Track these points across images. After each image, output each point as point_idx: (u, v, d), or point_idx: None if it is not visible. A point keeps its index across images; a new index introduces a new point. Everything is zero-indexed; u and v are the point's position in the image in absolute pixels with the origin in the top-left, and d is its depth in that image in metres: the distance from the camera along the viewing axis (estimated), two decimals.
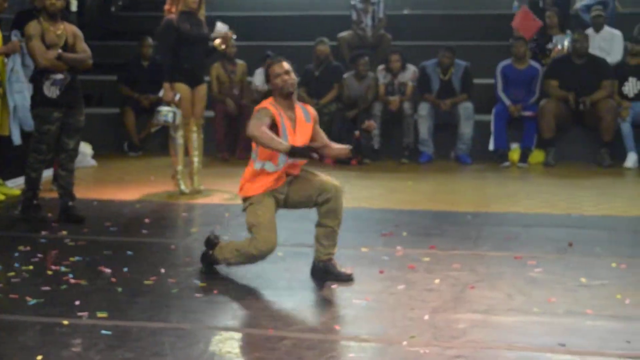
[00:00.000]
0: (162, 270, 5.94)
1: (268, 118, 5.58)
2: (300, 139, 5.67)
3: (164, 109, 8.63)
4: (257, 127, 5.48)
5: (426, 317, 4.97)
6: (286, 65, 5.72)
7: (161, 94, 8.79)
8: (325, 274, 5.77)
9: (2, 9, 8.67)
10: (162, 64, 8.91)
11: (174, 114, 8.62)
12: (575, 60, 11.00)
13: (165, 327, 4.82)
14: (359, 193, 9.00)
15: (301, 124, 5.77)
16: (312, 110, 5.94)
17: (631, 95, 10.93)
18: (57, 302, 5.25)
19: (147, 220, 7.56)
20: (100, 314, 5.00)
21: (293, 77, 5.71)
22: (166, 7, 8.88)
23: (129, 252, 6.46)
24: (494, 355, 4.46)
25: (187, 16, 8.60)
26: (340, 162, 10.77)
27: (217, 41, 8.71)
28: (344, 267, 5.82)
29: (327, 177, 5.78)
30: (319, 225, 5.82)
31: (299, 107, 5.84)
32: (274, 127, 5.60)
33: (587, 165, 10.67)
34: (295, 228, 7.32)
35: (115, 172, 10.33)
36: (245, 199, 5.84)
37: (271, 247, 5.63)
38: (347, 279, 5.72)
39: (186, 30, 8.56)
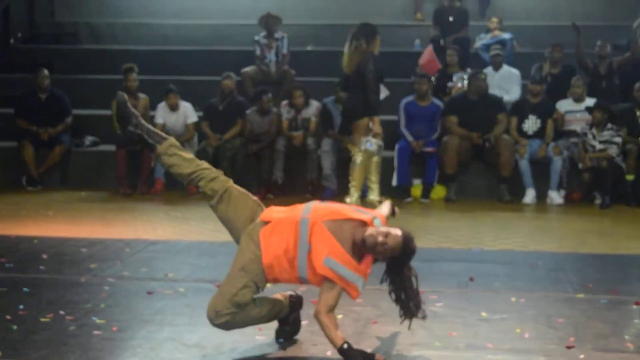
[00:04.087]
0: (60, 308, 5.79)
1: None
2: None
3: (374, 140, 9.60)
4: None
5: (328, 352, 4.95)
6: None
7: (371, 126, 9.62)
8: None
9: None
10: (368, 100, 9.55)
11: (380, 147, 9.74)
12: (470, 97, 11.23)
13: None
14: None
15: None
16: None
17: (530, 132, 11.17)
18: None
19: (44, 256, 7.38)
20: None
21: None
22: (367, 47, 9.65)
23: (25, 289, 6.29)
24: None
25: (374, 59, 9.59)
26: None
27: None
28: None
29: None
30: None
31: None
32: None
33: (487, 200, 10.84)
34: (197, 263, 7.26)
35: (11, 206, 10.08)
36: None
37: None
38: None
39: (378, 70, 9.61)
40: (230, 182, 5.25)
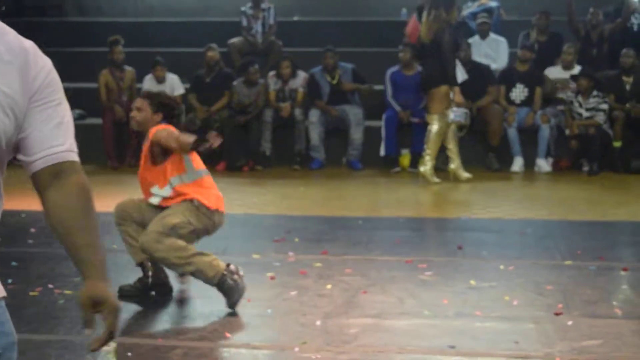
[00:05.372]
0: (49, 281, 5.79)
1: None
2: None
3: (460, 110, 9.84)
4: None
5: (318, 322, 4.97)
6: (138, 101, 5.69)
7: (452, 96, 9.87)
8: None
9: None
10: (445, 70, 9.86)
11: (466, 114, 9.92)
12: None
13: (51, 339, 4.70)
14: (250, 199, 8.96)
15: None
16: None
17: (518, 101, 11.16)
18: None
19: (33, 230, 7.36)
20: None
21: (140, 115, 5.59)
22: (447, 17, 9.88)
23: (14, 263, 6.29)
24: (386, 358, 4.48)
25: (452, 29, 9.95)
26: (232, 169, 10.72)
27: None
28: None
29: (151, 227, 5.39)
30: None
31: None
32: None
33: (476, 169, 10.82)
34: None
35: None
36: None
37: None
38: None
39: (457, 41, 10.10)
40: None
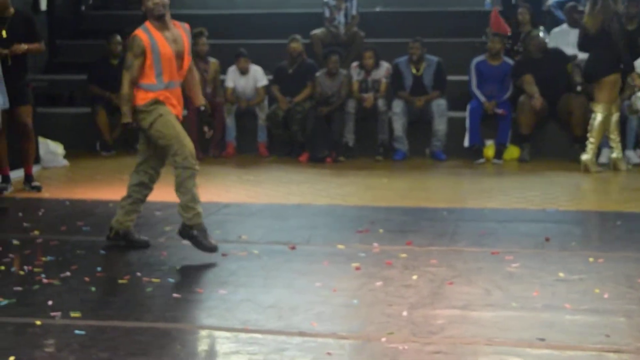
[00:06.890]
0: (137, 269, 5.87)
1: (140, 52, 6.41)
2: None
3: None
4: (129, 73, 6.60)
5: (404, 313, 4.93)
6: None
7: (631, 82, 10.06)
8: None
9: None
10: (619, 57, 9.92)
11: None
12: (534, 57, 11.00)
13: (139, 326, 4.75)
14: (334, 190, 8.95)
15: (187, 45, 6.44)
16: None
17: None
18: (29, 302, 5.17)
19: None
20: (73, 314, 4.92)
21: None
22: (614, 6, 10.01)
23: (102, 252, 6.38)
24: (473, 350, 4.43)
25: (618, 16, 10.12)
26: (315, 160, 10.73)
27: None
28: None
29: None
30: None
31: (179, 25, 6.48)
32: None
33: (561, 161, 10.65)
34: (270, 226, 7.28)
35: (87, 171, 10.21)
36: (145, 113, 6.62)
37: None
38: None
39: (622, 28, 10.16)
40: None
